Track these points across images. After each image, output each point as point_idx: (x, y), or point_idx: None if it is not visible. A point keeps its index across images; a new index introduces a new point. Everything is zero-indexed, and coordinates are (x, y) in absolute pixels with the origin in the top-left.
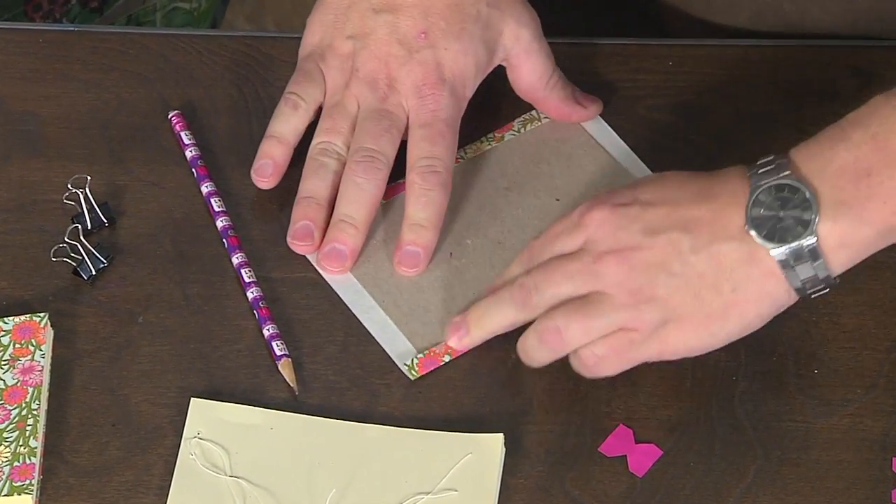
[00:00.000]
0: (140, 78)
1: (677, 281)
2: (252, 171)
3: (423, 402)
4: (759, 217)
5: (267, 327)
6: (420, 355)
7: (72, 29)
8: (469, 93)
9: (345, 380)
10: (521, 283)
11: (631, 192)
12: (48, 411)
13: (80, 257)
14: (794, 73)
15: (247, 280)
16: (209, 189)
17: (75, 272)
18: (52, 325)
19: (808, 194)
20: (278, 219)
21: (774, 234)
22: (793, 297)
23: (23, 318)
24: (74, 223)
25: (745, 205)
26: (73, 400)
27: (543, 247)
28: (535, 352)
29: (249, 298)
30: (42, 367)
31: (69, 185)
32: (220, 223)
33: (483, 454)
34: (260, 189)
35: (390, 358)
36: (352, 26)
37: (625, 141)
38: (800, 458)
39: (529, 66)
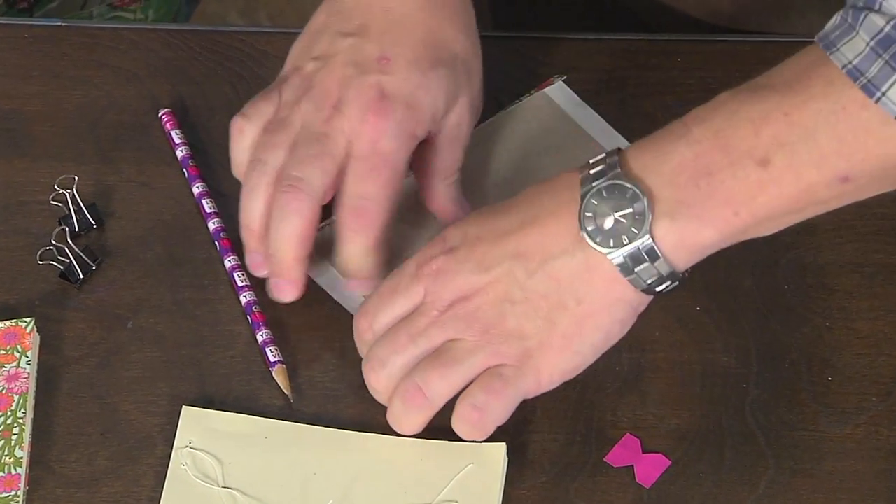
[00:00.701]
0: (130, 74)
1: (523, 308)
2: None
3: None
4: (592, 222)
5: (260, 333)
6: None
7: (59, 24)
8: (420, 134)
9: (343, 387)
10: (367, 361)
11: (459, 231)
12: (34, 420)
13: (68, 260)
14: None
15: (240, 284)
16: (200, 190)
17: (62, 276)
18: (38, 331)
19: (640, 193)
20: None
21: (609, 238)
22: (644, 297)
23: (8, 323)
24: (61, 225)
25: (576, 212)
26: (61, 408)
27: (380, 310)
28: (404, 417)
29: (242, 303)
30: (28, 374)
31: (56, 186)
32: (212, 225)
33: (485, 464)
34: None
35: None
36: (319, 48)
37: (630, 140)
38: (813, 469)
39: (450, 153)
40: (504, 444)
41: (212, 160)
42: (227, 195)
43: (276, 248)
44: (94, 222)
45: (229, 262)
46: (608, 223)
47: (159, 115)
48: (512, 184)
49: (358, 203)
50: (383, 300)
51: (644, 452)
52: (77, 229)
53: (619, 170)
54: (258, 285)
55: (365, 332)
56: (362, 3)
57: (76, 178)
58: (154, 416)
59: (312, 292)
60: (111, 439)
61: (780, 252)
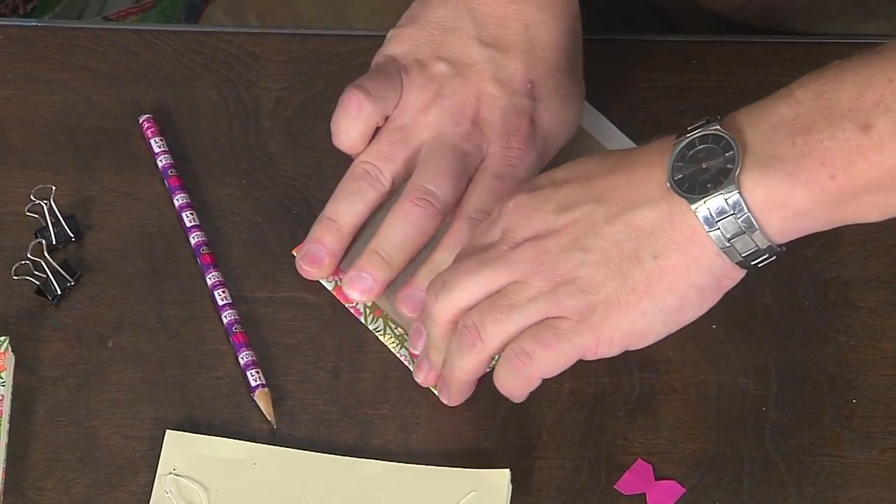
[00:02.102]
0: (110, 78)
1: (594, 257)
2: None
3: (421, 434)
4: (681, 172)
5: (242, 354)
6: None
7: (34, 24)
8: (545, 163)
9: (335, 410)
10: (431, 283)
11: (549, 175)
12: (9, 444)
13: (44, 275)
14: None
15: (221, 302)
16: (182, 201)
17: (39, 292)
18: (13, 350)
19: (732, 142)
20: (261, 232)
21: (695, 186)
22: (728, 265)
23: None
24: (38, 238)
25: (667, 162)
26: (37, 432)
27: (467, 248)
28: (458, 359)
29: (224, 322)
30: (2, 396)
31: (32, 196)
32: (194, 239)
33: (488, 492)
34: (241, 201)
35: (385, 386)
36: (449, 49)
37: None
38: (836, 497)
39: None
40: (507, 470)
41: (196, 169)
42: (212, 206)
43: (385, 249)
44: (72, 235)
45: (211, 278)
46: (697, 173)
47: (140, 121)
48: None
49: (482, 218)
50: (472, 239)
51: (657, 479)
52: (54, 242)
53: (716, 125)
54: (240, 303)
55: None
56: (499, 12)
57: (53, 187)
58: (136, 440)
59: (304, 311)
60: (90, 465)
61: (801, 266)
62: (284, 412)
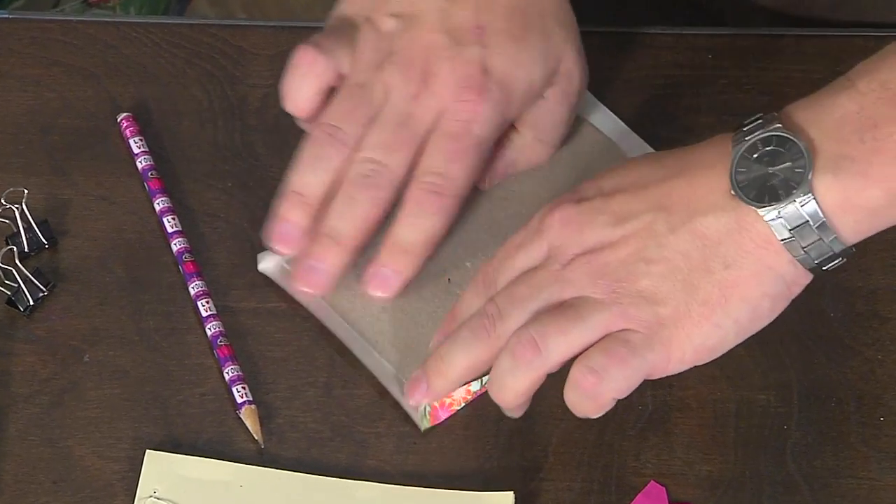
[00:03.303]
0: (86, 74)
1: (659, 269)
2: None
3: (419, 455)
4: (745, 177)
5: (228, 369)
6: (435, 402)
7: (5, 16)
8: (513, 114)
9: (327, 429)
10: (482, 312)
11: (594, 184)
12: None
13: (16, 285)
14: None
15: (204, 313)
16: (163, 206)
17: (10, 302)
18: None
19: (800, 145)
20: (248, 239)
21: (764, 194)
22: (801, 272)
23: None
24: (8, 245)
25: (729, 166)
26: (7, 453)
27: (502, 265)
28: (510, 377)
29: (208, 335)
30: None
31: (2, 200)
32: (176, 246)
33: None
34: (226, 205)
35: (381, 403)
36: (397, 4)
37: (655, 147)
38: None
39: (558, 115)
40: (511, 493)
41: (178, 171)
42: (195, 211)
43: (335, 228)
44: (45, 241)
45: (194, 288)
46: (763, 178)
47: (118, 119)
48: (521, 195)
49: (438, 182)
50: (505, 255)
51: (671, 502)
52: (26, 249)
53: (778, 123)
54: (226, 314)
55: (482, 288)
56: None
57: (25, 191)
58: (114, 461)
59: (294, 322)
60: (65, 488)
61: (825, 275)
62: (272, 431)
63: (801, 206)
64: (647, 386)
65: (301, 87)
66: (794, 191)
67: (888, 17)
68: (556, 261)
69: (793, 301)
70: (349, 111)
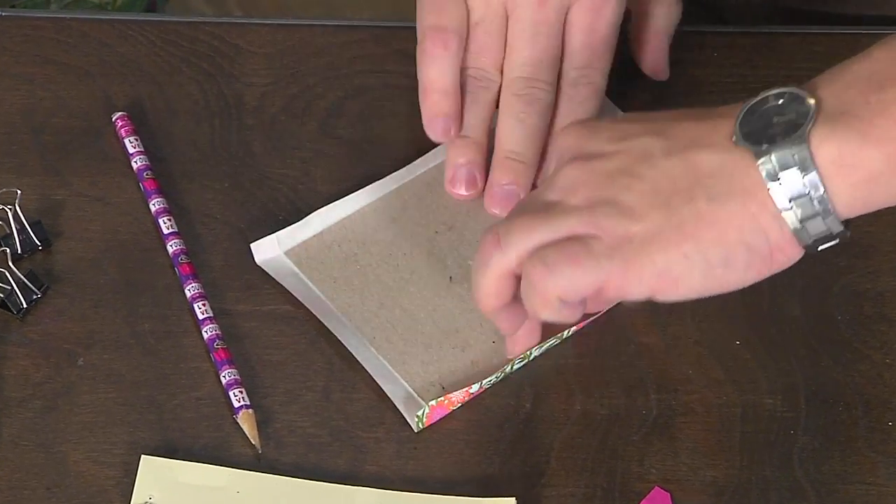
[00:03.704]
0: (80, 72)
1: (642, 186)
2: (427, 127)
3: (419, 460)
4: (749, 124)
5: (225, 373)
6: (433, 402)
7: None
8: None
9: (326, 433)
10: (486, 234)
11: (610, 119)
12: None
13: (9, 287)
14: None
15: (201, 316)
16: (159, 206)
17: (2, 305)
18: None
19: (807, 100)
20: (245, 240)
21: (762, 139)
22: (785, 237)
23: None
24: (1, 246)
25: (737, 116)
26: (0, 458)
27: (517, 204)
28: (476, 275)
29: (205, 338)
30: None
31: None
32: (171, 247)
33: None
34: (223, 206)
35: (380, 407)
36: None
37: None
38: None
39: (666, 8)
40: (513, 498)
41: (174, 171)
42: (191, 212)
43: (514, 150)
44: (39, 243)
45: (190, 290)
46: (766, 126)
47: (113, 118)
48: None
49: (585, 74)
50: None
51: None
52: (19, 251)
53: (795, 86)
54: (222, 317)
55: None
56: None
57: (18, 191)
58: (108, 466)
59: (292, 325)
60: (58, 494)
61: (832, 277)
62: (270, 435)
63: (793, 155)
64: (651, 390)
65: (444, 66)
66: (790, 137)
67: (891, 10)
68: (554, 172)
69: (800, 303)
70: (481, 49)
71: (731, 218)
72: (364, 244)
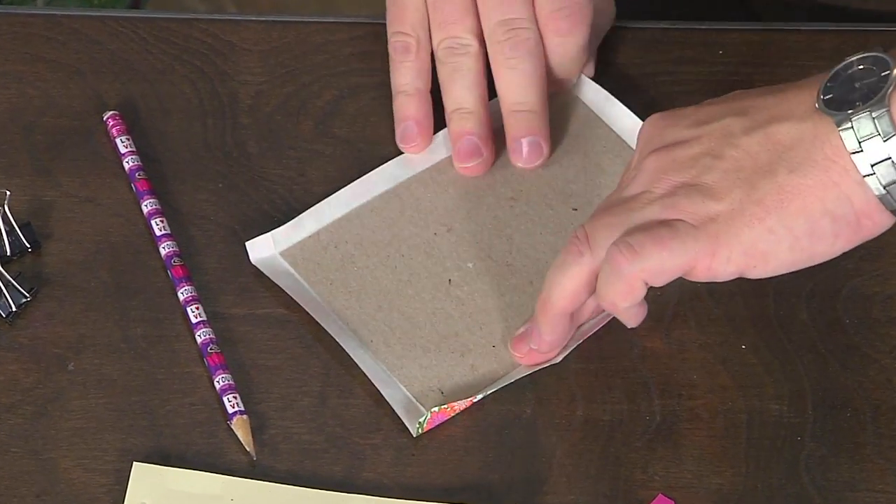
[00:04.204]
0: (71, 70)
1: (724, 164)
2: (398, 139)
3: (418, 467)
4: (832, 91)
5: (219, 378)
6: (434, 409)
7: None
8: None
9: (322, 440)
10: (574, 234)
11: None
12: None
13: None
14: None
15: (194, 320)
16: (151, 207)
17: None
18: None
19: (891, 62)
20: (239, 242)
21: (843, 104)
22: (871, 202)
23: None
24: None
25: (820, 85)
26: None
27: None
28: (557, 273)
29: (198, 342)
30: None
31: None
32: (164, 249)
33: None
34: (217, 207)
35: (378, 413)
36: None
37: None
38: None
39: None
40: None
41: (166, 171)
42: (184, 213)
43: (519, 101)
44: (28, 245)
45: (183, 293)
46: (848, 91)
47: (105, 117)
48: (528, 194)
49: (561, 5)
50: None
51: None
52: (8, 253)
53: (880, 49)
54: (216, 321)
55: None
56: None
57: (7, 192)
58: (100, 473)
59: (287, 329)
60: (48, 502)
61: (840, 280)
62: (265, 442)
63: (875, 118)
64: (655, 395)
65: (408, 70)
66: (871, 100)
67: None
68: (637, 161)
69: (807, 307)
70: (447, 17)
71: (812, 187)
72: (361, 245)
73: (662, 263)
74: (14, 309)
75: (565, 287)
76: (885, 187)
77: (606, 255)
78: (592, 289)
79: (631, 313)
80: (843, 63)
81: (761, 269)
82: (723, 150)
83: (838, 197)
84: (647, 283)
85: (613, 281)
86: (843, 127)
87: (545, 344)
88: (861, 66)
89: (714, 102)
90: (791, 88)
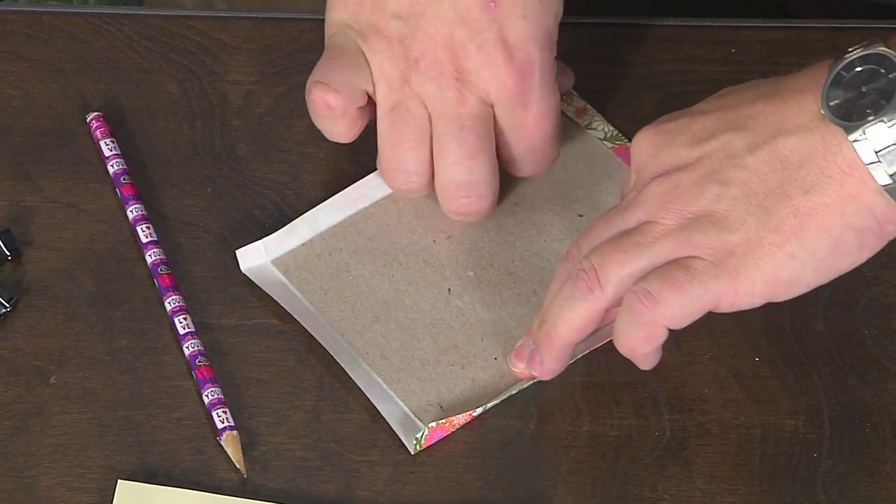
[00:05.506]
0: (52, 69)
1: (733, 190)
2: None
3: (416, 485)
4: (837, 97)
5: (207, 392)
6: (432, 424)
7: None
8: (555, 42)
9: (316, 456)
10: (580, 266)
11: (685, 110)
12: None
13: None
14: None
15: (182, 331)
16: (137, 213)
17: None
18: None
19: None
20: (229, 249)
21: (853, 113)
22: (892, 206)
23: None
24: None
25: (822, 86)
26: None
27: (598, 222)
28: (565, 308)
29: (186, 354)
30: None
31: None
32: (150, 257)
33: None
34: (206, 213)
35: (374, 428)
36: (395, 3)
37: None
38: None
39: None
40: None
41: (153, 176)
42: (171, 219)
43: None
44: (8, 253)
45: (170, 303)
46: (855, 98)
47: (88, 119)
48: (531, 200)
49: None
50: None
51: None
52: None
53: (880, 44)
54: (205, 332)
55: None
56: None
57: None
58: (83, 492)
59: (279, 340)
60: None
61: (859, 289)
62: (256, 459)
63: (889, 126)
64: (665, 410)
65: (332, 129)
66: (884, 108)
67: None
68: (634, 186)
69: (824, 317)
70: (397, 142)
71: (830, 205)
72: (357, 253)
73: (684, 309)
74: None
75: (573, 321)
76: None
77: (625, 303)
78: (599, 322)
79: (649, 358)
80: (844, 62)
81: (787, 295)
82: (728, 172)
83: (859, 210)
84: (668, 328)
85: (634, 329)
86: (857, 140)
87: (548, 372)
88: (864, 67)
89: (706, 111)
90: (789, 92)
